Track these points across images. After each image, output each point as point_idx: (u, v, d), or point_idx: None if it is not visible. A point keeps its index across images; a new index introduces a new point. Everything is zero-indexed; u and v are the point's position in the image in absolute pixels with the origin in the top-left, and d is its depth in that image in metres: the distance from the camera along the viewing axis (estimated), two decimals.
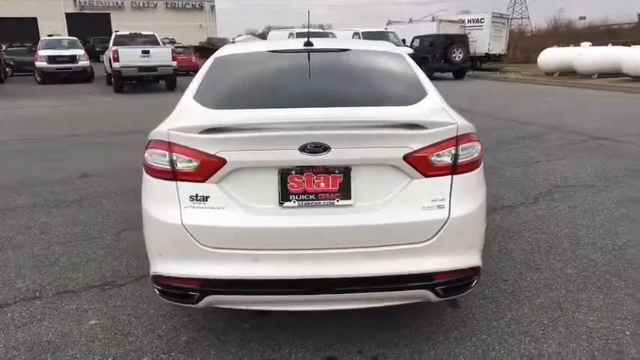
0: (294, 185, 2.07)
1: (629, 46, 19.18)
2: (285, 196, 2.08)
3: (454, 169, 2.12)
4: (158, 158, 2.13)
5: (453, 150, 2.10)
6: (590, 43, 20.89)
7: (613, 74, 18.22)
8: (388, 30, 19.72)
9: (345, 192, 2.08)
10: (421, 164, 2.07)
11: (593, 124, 9.08)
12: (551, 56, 20.89)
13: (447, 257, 2.13)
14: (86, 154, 6.85)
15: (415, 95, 2.48)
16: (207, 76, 2.74)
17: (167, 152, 2.09)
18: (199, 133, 2.03)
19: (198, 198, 2.07)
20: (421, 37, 20.74)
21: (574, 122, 9.19)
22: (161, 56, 14.70)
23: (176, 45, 23.62)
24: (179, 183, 2.09)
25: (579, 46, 20.50)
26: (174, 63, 15.12)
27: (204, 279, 2.09)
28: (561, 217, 4.26)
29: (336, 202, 2.08)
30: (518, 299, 2.90)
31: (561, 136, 7.89)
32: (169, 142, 2.09)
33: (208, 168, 2.05)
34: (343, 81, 2.68)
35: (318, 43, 2.99)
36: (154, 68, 14.61)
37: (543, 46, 23.11)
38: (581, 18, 58.30)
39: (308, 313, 2.54)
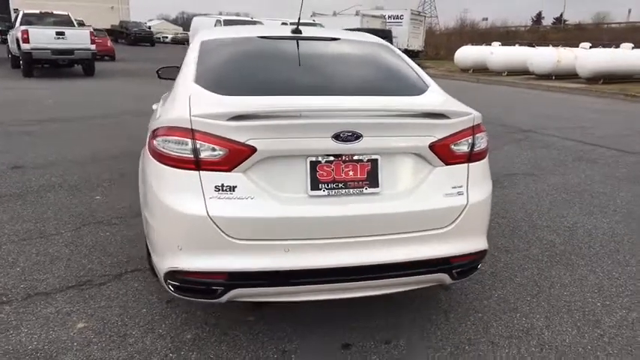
0: (324, 174, 2.05)
1: (534, 46, 20.99)
2: (314, 184, 2.05)
3: (470, 157, 2.23)
4: (176, 146, 2.00)
5: (470, 139, 2.20)
6: (499, 43, 22.53)
7: (520, 72, 19.86)
8: (316, 22, 19.80)
9: (373, 180, 2.10)
10: (444, 153, 2.15)
11: (516, 117, 9.86)
12: (467, 54, 22.26)
13: (463, 241, 2.24)
14: (12, 145, 6.19)
15: (420, 85, 2.56)
16: (200, 61, 2.61)
17: (189, 140, 1.97)
18: (228, 120, 1.94)
19: (225, 188, 1.98)
20: (347, 31, 21.06)
21: (500, 116, 9.90)
22: (78, 38, 13.55)
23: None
24: (202, 172, 1.98)
25: (491, 45, 22.03)
26: (93, 46, 14.02)
27: (231, 272, 2.00)
28: (514, 203, 4.60)
29: (364, 191, 2.10)
30: (499, 279, 3.11)
31: (492, 128, 8.47)
32: (192, 129, 1.97)
33: (236, 156, 1.96)
34: (349, 69, 2.70)
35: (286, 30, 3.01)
36: (70, 51, 13.43)
37: (452, 44, 24.61)
38: (483, 19, 62.73)
39: (309, 303, 2.53)
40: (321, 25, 19.48)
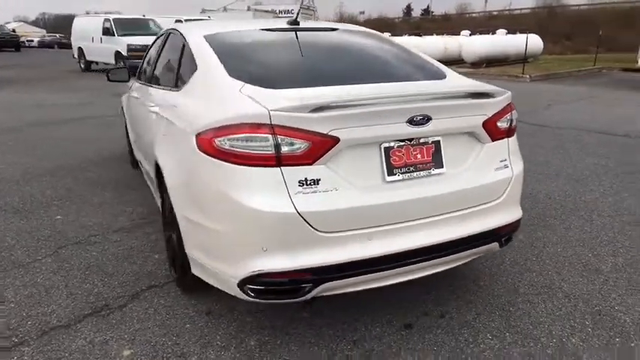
0: (396, 159, 2.09)
1: (421, 36, 22.42)
2: (390, 170, 2.08)
3: (508, 132, 2.40)
4: (253, 144, 1.90)
5: (509, 115, 2.38)
6: (389, 34, 23.72)
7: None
8: (210, 18, 19.21)
9: (437, 161, 2.18)
10: (492, 129, 2.30)
11: None
12: None
13: (509, 211, 2.42)
14: None
15: (440, 69, 2.69)
16: (223, 56, 2.48)
17: (270, 135, 1.88)
18: (310, 112, 1.89)
19: (309, 182, 1.93)
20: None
21: None
22: None
23: None
24: (284, 168, 1.91)
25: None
26: None
27: (321, 267, 1.96)
28: None
29: (432, 172, 2.17)
30: None
31: None
32: (272, 124, 1.88)
33: (319, 148, 1.92)
34: (374, 57, 2.74)
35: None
36: None
37: None
38: (360, 12, 65.84)
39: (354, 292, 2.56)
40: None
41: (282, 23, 3.10)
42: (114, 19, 15.88)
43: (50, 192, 4.49)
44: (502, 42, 18.69)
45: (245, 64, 2.45)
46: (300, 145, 1.90)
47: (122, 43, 15.32)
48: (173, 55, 3.13)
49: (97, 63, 17.67)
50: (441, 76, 2.59)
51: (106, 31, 16.08)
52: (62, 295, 2.74)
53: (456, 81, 2.52)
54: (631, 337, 2.37)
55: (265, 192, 1.91)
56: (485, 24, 37.12)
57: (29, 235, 3.55)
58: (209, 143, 2.01)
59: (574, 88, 13.10)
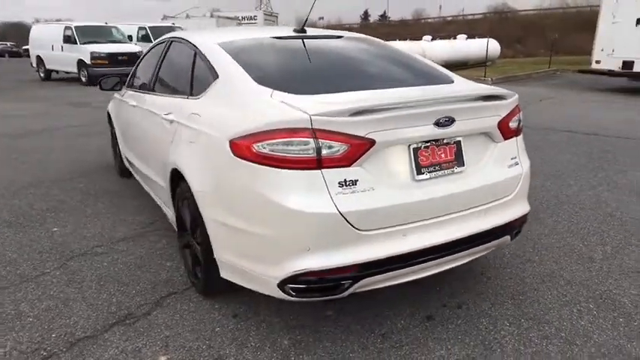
0: (424, 159, 2.21)
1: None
2: (418, 169, 2.20)
3: (517, 131, 2.58)
4: (294, 147, 1.97)
5: (518, 116, 2.55)
6: None
7: None
8: (175, 25, 19.01)
9: (459, 160, 2.32)
10: (505, 129, 2.46)
11: None
12: None
13: (520, 205, 2.58)
14: None
15: (447, 74, 2.85)
16: (245, 63, 2.55)
17: (311, 139, 1.96)
18: (349, 115, 1.99)
19: (348, 183, 2.02)
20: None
21: None
22: None
23: None
24: (324, 170, 1.99)
25: None
26: None
27: (360, 264, 2.05)
28: None
29: (455, 170, 2.31)
30: None
31: None
32: (313, 128, 1.96)
33: (357, 151, 2.01)
34: (388, 63, 2.86)
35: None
36: None
37: None
38: (320, 18, 66.47)
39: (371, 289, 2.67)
40: (181, 28, 18.81)
41: (288, 31, 3.19)
42: (76, 27, 15.45)
43: (40, 204, 4.39)
44: (463, 46, 19.36)
45: (268, 71, 2.53)
46: (340, 148, 1.99)
47: (85, 51, 14.92)
48: (182, 63, 3.16)
49: (57, 72, 17.12)
50: (449, 80, 2.74)
51: (67, 39, 15.61)
52: (82, 307, 2.71)
53: (465, 84, 2.68)
54: (633, 317, 2.57)
55: (307, 194, 1.99)
56: (441, 29, 38.28)
57: (30, 248, 3.48)
58: (247, 148, 2.07)
59: (534, 89, 13.72)
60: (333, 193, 2.00)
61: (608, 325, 2.51)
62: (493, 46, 19.61)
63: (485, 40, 19.20)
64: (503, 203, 2.46)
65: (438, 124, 2.17)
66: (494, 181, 2.41)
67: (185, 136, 2.63)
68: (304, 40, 2.98)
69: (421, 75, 2.77)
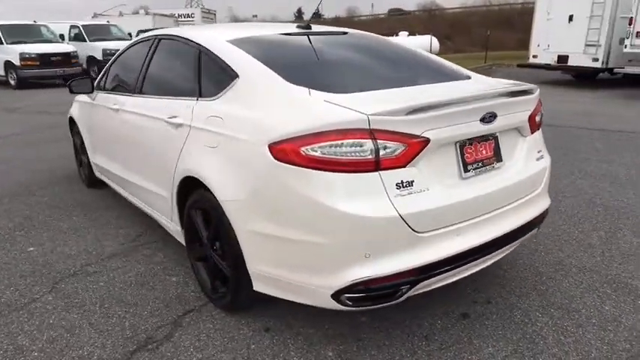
0: (468, 156, 2.18)
1: None
2: (465, 167, 2.16)
3: (540, 125, 2.61)
4: (350, 149, 1.87)
5: (542, 110, 2.59)
6: None
7: None
8: (111, 24, 17.97)
9: (497, 155, 2.31)
10: (533, 123, 2.48)
11: None
12: None
13: (545, 198, 2.62)
14: None
15: (463, 70, 2.84)
16: (266, 60, 2.40)
17: (369, 140, 1.86)
18: (406, 114, 1.90)
19: (404, 184, 1.94)
20: (148, 31, 19.69)
21: None
22: None
23: None
24: (382, 172, 1.90)
25: None
26: None
27: (419, 267, 1.98)
28: None
29: (495, 166, 2.29)
30: None
31: None
32: (371, 129, 1.86)
33: (413, 150, 1.94)
34: (407, 59, 2.80)
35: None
36: None
37: None
38: (254, 16, 65.87)
39: None
40: (117, 27, 17.86)
41: (292, 27, 3.05)
42: (1, 26, 14.19)
43: (3, 222, 3.95)
44: (406, 43, 19.78)
45: (293, 68, 2.39)
46: (397, 148, 1.91)
47: (13, 52, 13.75)
48: (181, 63, 2.94)
49: None
50: (466, 76, 2.74)
51: None
52: (91, 334, 2.45)
53: (484, 80, 2.68)
54: None
55: (366, 197, 1.89)
56: (376, 26, 39.10)
57: (8, 272, 3.11)
58: (293, 152, 1.94)
59: None
60: (392, 196, 1.91)
61: (630, 309, 2.60)
62: (434, 43, 20.25)
63: (425, 37, 19.78)
64: (535, 196, 2.49)
65: (483, 120, 2.14)
66: (528, 175, 2.43)
67: (203, 141, 2.44)
68: (317, 37, 2.86)
69: (440, 71, 2.74)
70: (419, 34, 21.65)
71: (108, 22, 18.72)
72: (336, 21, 57.62)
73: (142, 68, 3.34)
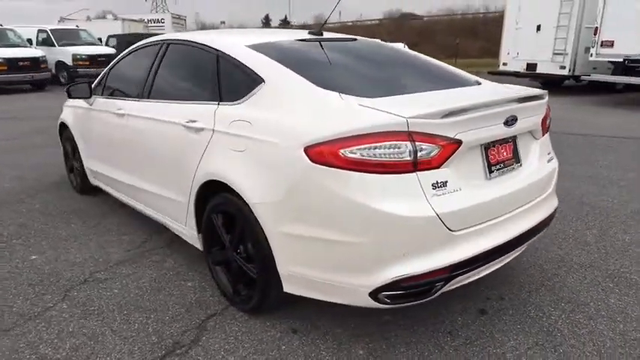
0: (492, 157, 2.28)
1: None
2: (489, 168, 2.26)
3: (549, 128, 2.75)
4: (389, 151, 1.93)
5: (550, 114, 2.73)
6: None
7: None
8: (80, 28, 17.51)
9: (516, 157, 2.42)
10: (544, 126, 2.61)
11: None
12: None
13: (554, 197, 2.76)
14: None
15: (469, 76, 2.96)
16: (292, 65, 2.44)
17: (408, 142, 1.93)
18: (442, 117, 1.99)
19: (439, 184, 2.02)
20: (118, 36, 19.31)
21: None
22: None
23: None
24: (419, 173, 1.98)
25: None
26: None
27: (454, 264, 2.05)
28: None
29: (514, 167, 2.40)
30: None
31: None
32: (410, 131, 1.93)
33: (447, 152, 2.02)
34: (423, 65, 2.90)
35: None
36: None
37: None
38: (222, 22, 65.52)
39: None
40: (87, 31, 17.44)
41: (303, 34, 3.11)
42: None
43: (0, 230, 3.84)
44: None
45: (320, 73, 2.44)
46: (433, 150, 1.98)
47: None
48: (196, 68, 2.94)
49: None
50: (476, 81, 2.85)
51: None
52: (116, 341, 2.41)
53: (495, 85, 2.80)
54: None
55: (405, 198, 1.95)
56: (346, 33, 39.60)
57: (15, 282, 3.02)
58: (331, 154, 1.99)
59: None
60: (429, 196, 1.99)
61: (634, 301, 2.76)
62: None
63: (398, 44, 20.14)
64: (547, 195, 2.61)
65: (506, 123, 2.24)
66: (542, 176, 2.55)
67: (228, 144, 2.45)
68: (332, 43, 2.92)
69: (453, 76, 2.85)
70: (390, 41, 22.02)
71: (77, 26, 18.26)
72: (304, 28, 58.04)
73: (149, 73, 3.31)
